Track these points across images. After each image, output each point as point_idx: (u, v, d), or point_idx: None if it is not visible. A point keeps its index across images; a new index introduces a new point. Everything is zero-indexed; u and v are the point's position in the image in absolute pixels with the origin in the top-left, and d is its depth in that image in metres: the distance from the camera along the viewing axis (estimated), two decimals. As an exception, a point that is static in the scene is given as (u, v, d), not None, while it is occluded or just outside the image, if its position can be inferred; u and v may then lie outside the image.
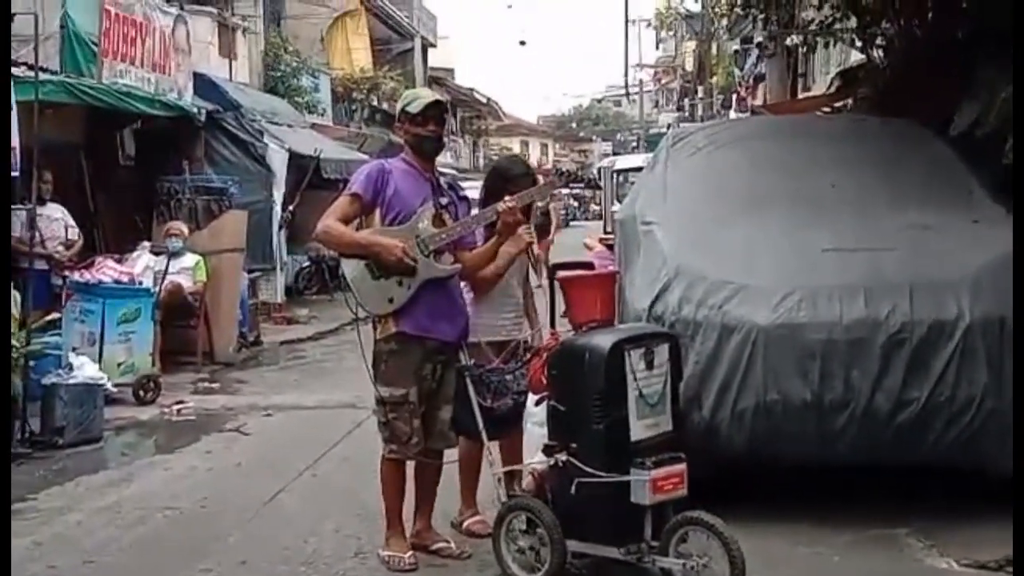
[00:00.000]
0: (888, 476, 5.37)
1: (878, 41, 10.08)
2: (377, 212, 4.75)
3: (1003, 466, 5.03)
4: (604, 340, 4.32)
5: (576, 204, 58.05)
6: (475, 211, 5.01)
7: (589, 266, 5.06)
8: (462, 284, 4.98)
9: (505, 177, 5.18)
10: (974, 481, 5.17)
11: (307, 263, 17.93)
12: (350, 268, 4.75)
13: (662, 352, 4.44)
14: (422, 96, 4.94)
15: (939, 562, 4.76)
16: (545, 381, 4.51)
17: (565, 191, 48.71)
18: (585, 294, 4.57)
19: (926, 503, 5.25)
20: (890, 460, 5.16)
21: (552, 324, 4.81)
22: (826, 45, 11.08)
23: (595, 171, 33.55)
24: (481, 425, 4.78)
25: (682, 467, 4.29)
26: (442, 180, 4.95)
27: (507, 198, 4.79)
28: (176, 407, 8.76)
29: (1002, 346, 5.04)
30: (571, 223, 43.96)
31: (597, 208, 52.90)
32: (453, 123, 37.68)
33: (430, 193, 4.80)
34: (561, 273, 4.67)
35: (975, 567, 4.66)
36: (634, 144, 49.41)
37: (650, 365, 4.37)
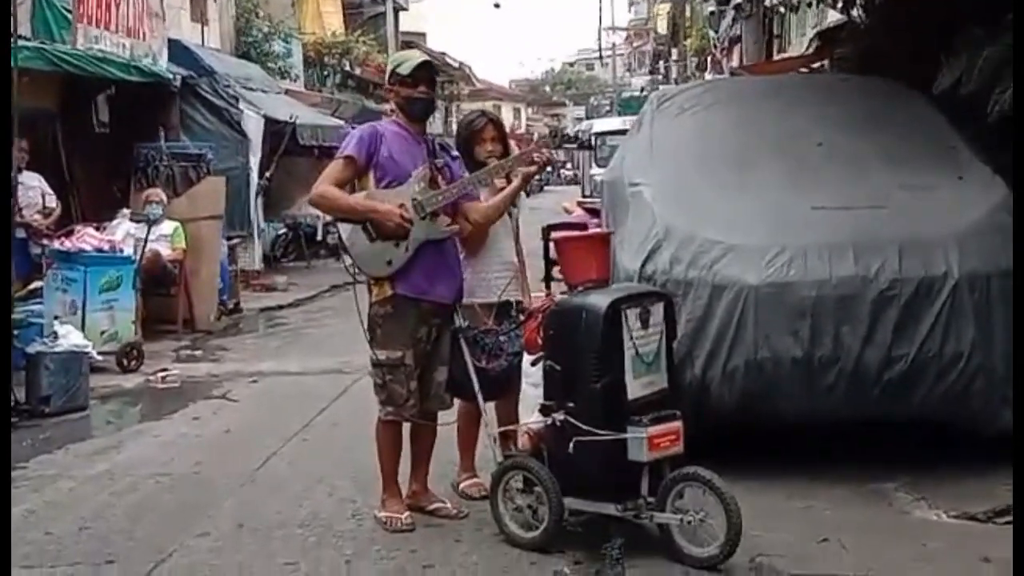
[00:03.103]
0: (877, 432, 5.43)
1: (858, 0, 10.07)
2: (371, 175, 4.73)
3: (990, 420, 5.14)
4: (601, 300, 4.34)
5: (549, 169, 57.91)
6: None
7: (583, 227, 5.06)
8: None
9: (470, 132, 5.19)
10: (961, 435, 5.26)
11: (283, 230, 17.86)
12: (347, 232, 4.73)
13: (657, 311, 4.47)
14: (412, 57, 4.92)
15: (928, 514, 4.84)
16: (541, 341, 4.54)
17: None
18: (580, 254, 4.58)
19: (915, 458, 5.33)
20: (879, 415, 5.22)
21: (547, 285, 4.83)
22: (809, 5, 11.08)
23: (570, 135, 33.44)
24: (477, 386, 4.81)
25: (678, 424, 4.33)
26: (435, 141, 4.93)
27: (516, 153, 4.82)
28: (161, 375, 8.73)
29: (989, 303, 5.11)
30: (544, 188, 43.90)
31: (569, 173, 52.88)
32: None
33: (424, 155, 4.78)
34: (556, 233, 4.68)
35: (964, 518, 4.75)
36: (607, 108, 49.32)
37: (646, 324, 4.39)
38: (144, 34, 12.24)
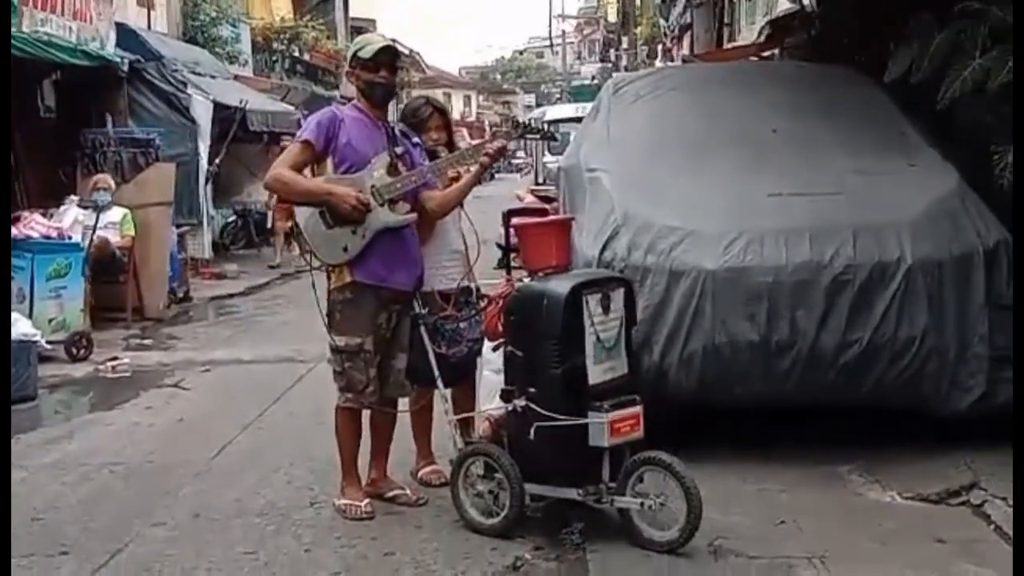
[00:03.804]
0: (832, 415, 5.49)
1: (810, -12, 10.14)
2: (329, 160, 4.68)
3: (942, 403, 5.22)
4: (562, 285, 4.34)
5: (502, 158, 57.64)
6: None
7: (543, 213, 5.06)
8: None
9: (416, 120, 5.16)
10: (914, 419, 5.33)
11: (233, 217, 17.65)
12: (304, 217, 4.68)
13: (618, 297, 4.48)
14: (374, 41, 4.86)
15: (882, 496, 4.91)
16: (502, 327, 4.53)
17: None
18: (541, 240, 4.58)
19: (868, 441, 5.40)
20: (834, 399, 5.27)
21: (507, 271, 4.81)
22: (762, -7, 11.15)
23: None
24: (437, 373, 4.79)
25: (638, 409, 4.35)
26: (396, 128, 4.89)
27: (474, 143, 4.78)
28: (111, 364, 8.60)
29: (941, 287, 5.18)
30: (495, 176, 43.84)
31: (518, 161, 52.86)
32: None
33: (384, 142, 4.73)
34: (517, 219, 4.67)
35: (917, 500, 4.82)
36: (557, 96, 49.38)
37: (607, 310, 4.41)
38: (91, 17, 12.01)
